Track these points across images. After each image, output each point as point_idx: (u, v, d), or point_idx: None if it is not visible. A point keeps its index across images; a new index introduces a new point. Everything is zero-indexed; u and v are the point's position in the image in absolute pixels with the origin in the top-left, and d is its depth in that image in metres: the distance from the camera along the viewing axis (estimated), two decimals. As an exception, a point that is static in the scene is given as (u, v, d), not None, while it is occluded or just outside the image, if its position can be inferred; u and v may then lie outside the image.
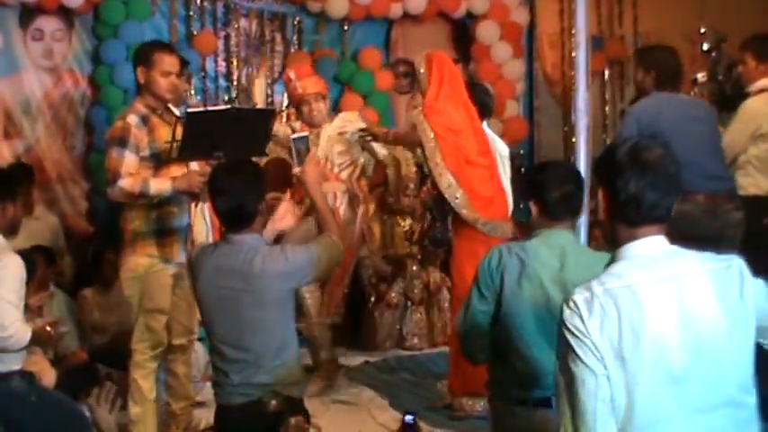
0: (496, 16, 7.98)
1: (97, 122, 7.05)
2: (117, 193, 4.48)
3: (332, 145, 5.64)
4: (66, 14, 7.08)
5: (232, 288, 3.37)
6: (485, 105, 5.59)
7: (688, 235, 4.99)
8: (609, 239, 2.42)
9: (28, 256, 4.37)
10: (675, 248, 2.36)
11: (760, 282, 2.38)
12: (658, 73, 5.06)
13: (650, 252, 2.33)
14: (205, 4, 7.46)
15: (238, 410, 3.43)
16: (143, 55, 4.66)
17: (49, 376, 4.82)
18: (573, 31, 4.83)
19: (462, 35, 8.15)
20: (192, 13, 7.41)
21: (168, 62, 4.62)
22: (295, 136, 3.83)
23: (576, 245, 3.36)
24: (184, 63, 5.40)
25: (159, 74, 4.58)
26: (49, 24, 7.08)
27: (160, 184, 4.47)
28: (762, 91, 5.21)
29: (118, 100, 6.96)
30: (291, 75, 5.70)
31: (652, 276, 2.29)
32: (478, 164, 5.16)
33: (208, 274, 3.43)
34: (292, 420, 3.32)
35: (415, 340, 6.82)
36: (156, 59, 4.59)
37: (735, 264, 2.36)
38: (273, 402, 3.39)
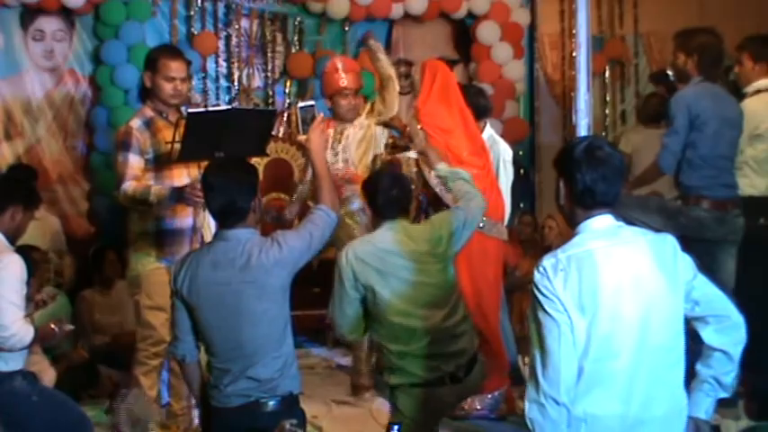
0: (497, 17, 7.98)
1: (98, 123, 7.07)
2: (121, 196, 4.56)
3: (356, 147, 5.66)
4: (67, 15, 7.10)
5: (231, 282, 3.39)
6: (479, 106, 5.60)
7: (695, 237, 5.05)
8: (569, 219, 3.01)
9: (24, 254, 4.36)
10: (620, 223, 2.95)
11: (688, 258, 2.95)
12: (701, 57, 4.97)
13: (602, 226, 2.92)
14: (206, 4, 7.47)
15: (235, 413, 3.44)
16: (150, 60, 4.74)
17: (49, 376, 4.83)
18: (573, 32, 4.84)
19: (463, 36, 8.15)
20: (192, 14, 7.42)
21: (173, 68, 4.68)
22: (301, 104, 3.91)
23: (408, 226, 4.00)
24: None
25: (163, 79, 4.65)
26: (49, 25, 7.10)
27: (160, 192, 4.49)
28: (758, 92, 5.20)
29: (119, 100, 6.97)
30: (339, 64, 5.68)
31: (605, 243, 2.88)
32: (470, 163, 5.18)
33: (205, 272, 3.44)
34: (286, 425, 3.33)
35: (416, 340, 6.82)
36: (161, 65, 4.66)
37: (669, 238, 2.95)
38: (271, 403, 3.41)
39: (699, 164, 4.90)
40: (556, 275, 2.83)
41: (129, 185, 4.52)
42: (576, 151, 2.92)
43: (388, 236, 3.91)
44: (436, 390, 3.83)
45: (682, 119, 4.88)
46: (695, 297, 2.94)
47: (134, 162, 4.56)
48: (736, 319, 2.99)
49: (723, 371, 2.99)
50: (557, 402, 2.78)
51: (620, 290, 2.82)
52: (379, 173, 4.62)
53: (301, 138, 3.84)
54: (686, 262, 2.93)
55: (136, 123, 4.62)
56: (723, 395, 3.02)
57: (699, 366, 3.00)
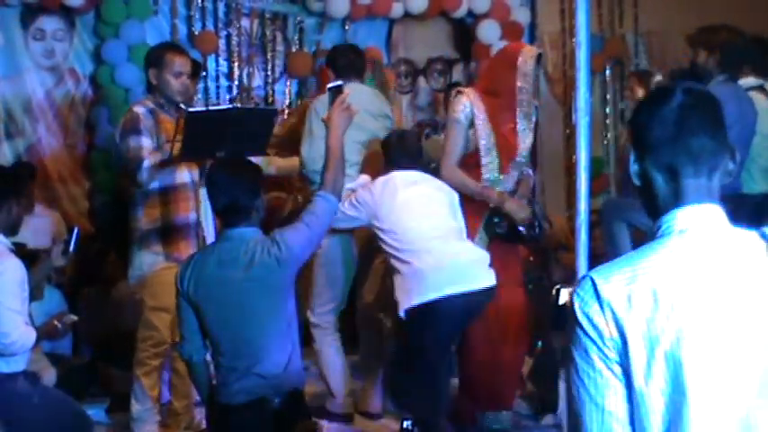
0: (497, 16, 7.97)
1: (98, 122, 7.06)
2: (146, 175, 4.45)
3: None
4: (68, 14, 7.09)
5: (236, 280, 3.43)
6: None
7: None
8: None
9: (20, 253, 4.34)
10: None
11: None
12: (723, 54, 4.87)
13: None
14: (206, 3, 7.46)
15: (241, 410, 3.46)
16: (154, 57, 4.69)
17: (48, 375, 4.83)
18: (574, 31, 4.83)
19: (463, 34, 8.15)
20: (193, 13, 7.41)
21: (180, 63, 4.65)
22: (330, 85, 3.87)
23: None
24: (197, 66, 5.41)
25: (171, 75, 4.61)
26: (50, 24, 7.08)
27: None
28: (749, 90, 5.16)
29: (119, 99, 6.96)
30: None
31: None
32: None
33: (211, 271, 3.48)
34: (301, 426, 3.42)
35: (416, 339, 6.81)
36: (167, 61, 4.62)
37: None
38: (276, 400, 3.44)
39: None
40: None
41: (149, 162, 4.43)
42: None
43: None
44: None
45: None
46: None
47: (147, 144, 4.49)
48: None
49: None
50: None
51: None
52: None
53: (324, 117, 3.82)
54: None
55: (141, 110, 4.57)
56: None
57: None
